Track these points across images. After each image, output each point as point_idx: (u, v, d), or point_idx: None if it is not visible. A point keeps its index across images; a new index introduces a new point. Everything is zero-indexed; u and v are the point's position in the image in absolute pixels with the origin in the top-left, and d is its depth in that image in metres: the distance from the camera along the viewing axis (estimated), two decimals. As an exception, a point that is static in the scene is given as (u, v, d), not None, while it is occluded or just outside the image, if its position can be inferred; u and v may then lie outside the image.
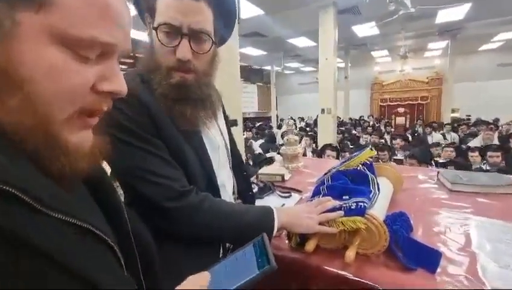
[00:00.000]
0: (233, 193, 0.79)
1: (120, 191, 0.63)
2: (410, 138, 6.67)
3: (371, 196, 0.74)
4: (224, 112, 0.82)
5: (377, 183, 0.82)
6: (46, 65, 0.25)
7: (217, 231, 0.61)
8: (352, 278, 0.62)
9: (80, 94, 0.28)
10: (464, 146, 4.39)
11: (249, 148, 4.83)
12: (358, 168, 0.88)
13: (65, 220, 0.26)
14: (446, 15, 5.79)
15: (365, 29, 6.66)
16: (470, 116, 9.64)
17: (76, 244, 0.26)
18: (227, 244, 0.71)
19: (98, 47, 0.28)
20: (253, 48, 8.28)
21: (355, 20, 6.01)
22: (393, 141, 4.65)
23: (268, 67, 11.94)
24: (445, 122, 7.21)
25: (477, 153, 3.25)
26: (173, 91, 0.59)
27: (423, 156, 3.04)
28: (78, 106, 0.29)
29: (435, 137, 5.53)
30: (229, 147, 0.77)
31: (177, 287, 0.31)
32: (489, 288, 0.54)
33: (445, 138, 5.62)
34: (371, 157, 0.91)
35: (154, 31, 0.57)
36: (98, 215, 0.35)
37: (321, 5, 4.94)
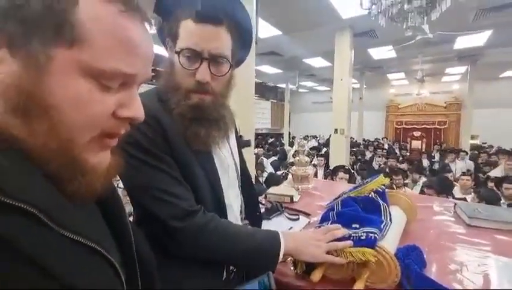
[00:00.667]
0: (241, 212, 0.78)
1: (129, 209, 0.65)
2: (426, 164, 6.43)
3: (382, 226, 0.71)
4: (236, 133, 0.83)
5: (389, 213, 0.80)
6: (73, 95, 0.28)
7: (222, 254, 0.60)
8: (360, 314, 0.59)
9: (101, 120, 0.30)
10: (481, 175, 4.20)
11: (259, 165, 4.82)
12: (370, 195, 0.86)
13: (75, 240, 0.27)
14: (466, 41, 5.74)
15: (381, 52, 6.68)
16: (485, 143, 9.26)
17: (83, 264, 0.27)
18: (231, 267, 0.70)
19: (120, 77, 0.30)
20: (269, 66, 8.46)
21: (371, 43, 6.06)
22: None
23: (283, 85, 12.10)
24: (463, 149, 6.94)
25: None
26: (191, 112, 0.61)
27: (442, 185, 2.90)
28: (99, 130, 0.31)
29: (457, 165, 5.30)
30: (238, 168, 0.77)
31: None
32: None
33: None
34: (384, 185, 0.89)
35: (175, 55, 0.60)
36: (106, 234, 0.36)
37: (338, 27, 5.03)
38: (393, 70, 9.32)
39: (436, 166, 6.48)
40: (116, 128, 0.33)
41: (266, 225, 0.99)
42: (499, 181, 3.04)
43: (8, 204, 0.22)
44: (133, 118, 0.33)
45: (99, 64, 0.28)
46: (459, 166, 5.28)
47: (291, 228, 0.97)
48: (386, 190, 0.91)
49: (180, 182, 0.60)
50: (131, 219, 0.69)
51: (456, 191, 3.22)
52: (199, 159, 0.64)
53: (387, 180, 0.90)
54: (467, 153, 6.19)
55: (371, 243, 0.63)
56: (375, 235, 0.65)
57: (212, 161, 0.67)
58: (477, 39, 5.64)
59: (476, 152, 7.15)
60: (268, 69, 8.86)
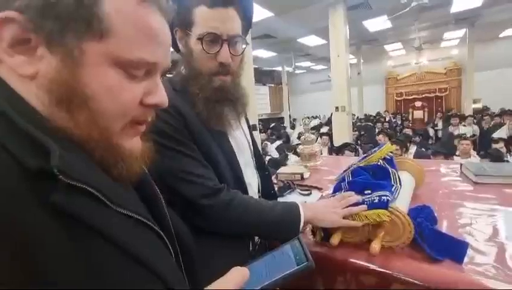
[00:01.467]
0: (258, 191, 0.82)
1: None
2: (431, 133, 6.43)
3: (393, 189, 0.75)
4: (245, 114, 0.86)
5: (399, 177, 0.83)
6: (106, 85, 0.30)
7: (247, 226, 0.65)
8: (379, 269, 0.63)
9: (131, 108, 0.33)
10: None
11: (263, 150, 4.86)
12: (379, 163, 0.89)
13: (126, 215, 0.30)
14: (462, 3, 5.58)
15: (377, 24, 6.54)
16: (486, 106, 9.16)
17: (136, 234, 0.31)
18: (256, 239, 0.74)
19: (145, 66, 0.33)
20: (264, 49, 8.33)
21: (366, 15, 5.92)
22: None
23: (279, 68, 11.94)
24: (466, 114, 6.90)
25: (502, 144, 3.12)
26: (215, 94, 0.66)
27: (448, 150, 2.94)
28: (130, 117, 0.33)
29: (462, 130, 5.29)
30: (252, 148, 0.81)
31: (220, 279, 0.35)
32: (519, 276, 0.54)
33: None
34: (391, 152, 0.92)
35: (193, 41, 0.63)
36: (146, 210, 0.39)
37: (330, 2, 4.91)
38: (389, 41, 9.14)
39: (439, 134, 6.49)
40: (144, 115, 0.35)
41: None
42: (508, 141, 3.06)
43: (73, 186, 0.25)
44: (158, 104, 0.36)
45: (126, 55, 0.30)
46: (465, 131, 5.27)
47: (305, 202, 1.01)
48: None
49: (204, 164, 0.64)
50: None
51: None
52: (217, 141, 0.68)
53: (394, 147, 0.93)
54: (474, 117, 6.14)
55: (384, 204, 0.67)
56: (388, 197, 0.68)
57: (229, 142, 0.71)
58: (474, 0, 5.48)
59: (480, 116, 7.11)
60: (263, 53, 8.74)
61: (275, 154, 5.35)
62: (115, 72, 0.30)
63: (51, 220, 0.24)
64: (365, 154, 1.00)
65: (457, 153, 3.16)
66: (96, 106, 0.30)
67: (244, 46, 0.68)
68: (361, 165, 0.94)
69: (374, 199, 0.70)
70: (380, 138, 4.25)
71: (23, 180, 0.24)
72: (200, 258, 0.50)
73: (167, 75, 0.70)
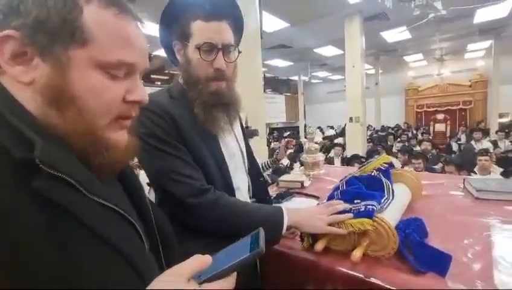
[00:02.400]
0: (250, 197, 0.85)
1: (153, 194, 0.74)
2: (455, 147, 6.15)
3: (382, 200, 0.75)
4: (241, 122, 0.90)
5: (392, 189, 0.83)
6: (90, 85, 0.35)
7: (231, 226, 0.68)
8: (363, 278, 0.64)
9: (114, 105, 0.38)
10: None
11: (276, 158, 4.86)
12: (373, 173, 0.90)
13: (100, 203, 0.34)
14: (486, 14, 5.41)
15: (395, 35, 6.46)
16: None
17: (108, 221, 0.35)
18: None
19: (124, 67, 0.37)
20: (280, 59, 8.44)
21: (383, 26, 5.87)
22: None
23: (295, 78, 11.99)
24: (492, 128, 6.56)
25: (527, 162, 2.94)
26: (211, 98, 0.72)
27: (464, 162, 2.80)
28: (115, 114, 0.38)
29: (485, 145, 5.04)
30: (244, 154, 0.84)
31: (179, 265, 0.38)
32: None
33: (497, 146, 5.08)
34: (386, 163, 0.92)
35: (191, 51, 0.71)
36: (125, 201, 0.44)
37: (346, 13, 4.93)
38: (409, 52, 8.96)
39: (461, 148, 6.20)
40: (128, 111, 0.40)
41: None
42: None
43: (53, 174, 0.30)
44: (139, 101, 0.40)
45: (106, 57, 0.35)
46: (486, 146, 5.01)
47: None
48: (394, 168, 0.94)
49: (192, 165, 0.69)
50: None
51: (476, 172, 3.09)
52: (207, 146, 0.73)
53: (389, 158, 0.94)
54: (497, 133, 5.82)
55: (369, 213, 0.68)
56: (373, 207, 0.69)
57: (219, 146, 0.75)
58: (499, 10, 5.29)
59: (506, 130, 6.74)
60: (279, 62, 8.84)
61: (287, 162, 5.34)
62: (97, 73, 0.35)
63: (31, 203, 0.28)
64: (361, 165, 1.01)
65: (475, 169, 3.02)
66: (83, 104, 0.35)
67: (236, 54, 0.75)
68: (356, 175, 0.94)
69: (361, 208, 0.71)
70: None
71: (11, 168, 0.28)
72: (181, 255, 0.54)
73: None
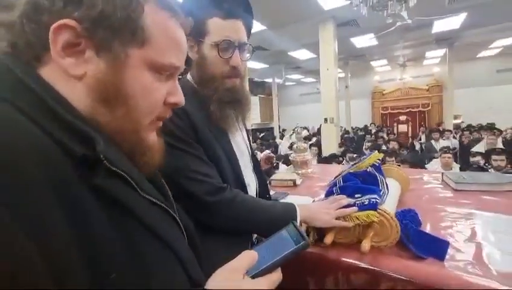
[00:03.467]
0: (256, 194, 0.86)
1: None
2: (417, 147, 6.69)
3: (381, 193, 0.80)
4: (244, 119, 0.90)
5: (386, 183, 0.89)
6: (142, 85, 0.35)
7: (248, 223, 0.69)
8: (369, 267, 0.68)
9: (158, 106, 0.38)
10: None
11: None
12: (368, 169, 0.95)
13: (151, 200, 0.34)
14: (442, 25, 5.96)
15: (364, 41, 6.85)
16: (463, 122, 9.66)
17: (159, 218, 0.35)
18: (255, 237, 0.78)
19: (171, 69, 0.37)
20: (256, 61, 8.51)
21: (353, 32, 6.20)
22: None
23: (270, 80, 12.17)
24: (447, 129, 7.23)
25: (479, 158, 3.29)
26: (227, 95, 0.72)
27: (416, 160, 3.12)
28: (156, 114, 0.38)
29: (442, 144, 5.53)
30: (250, 152, 0.85)
31: (233, 261, 0.38)
32: (494, 272, 0.60)
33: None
34: (379, 160, 0.99)
35: (208, 48, 0.70)
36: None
37: (321, 19, 5.13)
38: (376, 58, 9.55)
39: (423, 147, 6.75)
40: (165, 113, 0.40)
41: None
42: (487, 154, 3.24)
43: (113, 171, 0.29)
44: (177, 103, 0.40)
45: (161, 59, 0.35)
46: (444, 145, 5.51)
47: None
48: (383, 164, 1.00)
49: (208, 163, 0.69)
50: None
51: (439, 169, 3.41)
52: (220, 144, 0.73)
53: (381, 155, 1.00)
54: (451, 132, 6.45)
55: (373, 206, 0.72)
56: (377, 199, 0.73)
57: (230, 144, 0.75)
58: (453, 22, 5.87)
59: (460, 131, 7.47)
60: (254, 64, 8.91)
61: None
62: (149, 74, 0.35)
63: (93, 200, 0.27)
64: (355, 161, 1.06)
65: (436, 165, 3.33)
66: (133, 103, 0.34)
67: (249, 53, 0.76)
68: (351, 171, 0.99)
69: (364, 201, 0.75)
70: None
71: (68, 164, 0.27)
72: (204, 253, 0.53)
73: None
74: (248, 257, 0.37)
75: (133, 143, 0.35)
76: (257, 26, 5.21)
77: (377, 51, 8.41)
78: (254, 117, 12.85)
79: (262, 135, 10.87)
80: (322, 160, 4.10)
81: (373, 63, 10.48)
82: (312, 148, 5.24)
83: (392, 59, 9.39)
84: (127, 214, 0.29)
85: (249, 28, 0.78)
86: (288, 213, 0.70)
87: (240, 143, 0.79)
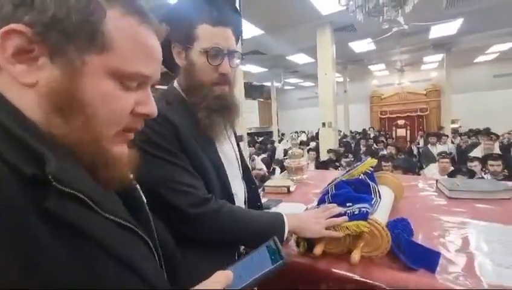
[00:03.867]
0: (245, 202, 0.84)
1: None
2: (415, 151, 6.70)
3: (372, 202, 0.79)
4: (234, 128, 0.89)
5: (378, 191, 0.88)
6: (102, 94, 0.32)
7: (234, 235, 0.67)
8: (359, 278, 0.66)
9: (124, 116, 0.35)
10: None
11: (252, 162, 4.89)
12: (360, 177, 0.94)
13: (114, 221, 0.32)
14: (439, 30, 6.01)
15: (362, 46, 6.89)
16: (461, 126, 9.70)
17: (124, 239, 0.32)
18: (242, 249, 0.76)
19: (139, 78, 0.36)
20: (254, 65, 8.53)
21: (351, 37, 6.23)
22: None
23: (268, 84, 12.20)
24: (444, 133, 7.25)
25: (476, 163, 3.29)
26: (215, 102, 0.71)
27: (409, 165, 3.13)
28: (122, 125, 0.36)
29: (439, 149, 5.53)
30: (239, 160, 0.84)
31: (206, 281, 0.37)
32: (485, 285, 0.58)
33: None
34: (372, 167, 0.98)
35: (196, 54, 0.69)
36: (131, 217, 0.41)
37: (318, 23, 5.16)
38: (374, 62, 9.60)
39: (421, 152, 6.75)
40: (134, 124, 0.38)
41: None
42: (483, 159, 3.24)
43: (66, 192, 0.27)
44: (148, 114, 0.38)
45: (125, 67, 0.33)
46: (441, 149, 5.52)
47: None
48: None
49: (193, 174, 0.66)
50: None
51: (436, 174, 3.40)
52: (206, 152, 0.71)
53: (375, 162, 0.99)
54: (447, 137, 6.46)
55: (363, 216, 0.71)
56: (367, 209, 0.72)
57: (217, 153, 0.74)
58: (450, 28, 5.92)
59: (458, 135, 7.48)
60: (253, 68, 8.94)
61: (263, 167, 5.40)
62: (111, 82, 0.33)
63: (43, 225, 0.25)
64: (348, 169, 1.05)
65: (434, 170, 3.32)
66: (92, 113, 0.32)
67: (238, 60, 0.76)
68: (344, 179, 0.98)
69: (355, 211, 0.74)
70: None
71: (17, 186, 0.25)
72: (183, 268, 0.51)
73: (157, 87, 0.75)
74: (222, 278, 0.35)
75: (94, 155, 0.33)
76: (255, 31, 5.23)
77: (375, 56, 8.46)
78: (253, 121, 12.87)
79: (261, 139, 10.87)
80: (320, 164, 4.09)
81: (371, 68, 10.54)
82: (310, 152, 5.24)
83: (390, 64, 9.44)
84: (82, 237, 0.27)
85: (237, 36, 0.77)
86: (276, 224, 0.69)
87: (228, 152, 0.78)
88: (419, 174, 3.16)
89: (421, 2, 2.72)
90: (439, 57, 8.82)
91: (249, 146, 7.63)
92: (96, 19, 0.31)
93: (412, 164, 3.40)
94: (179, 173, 0.64)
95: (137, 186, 0.47)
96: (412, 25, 4.25)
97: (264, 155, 6.66)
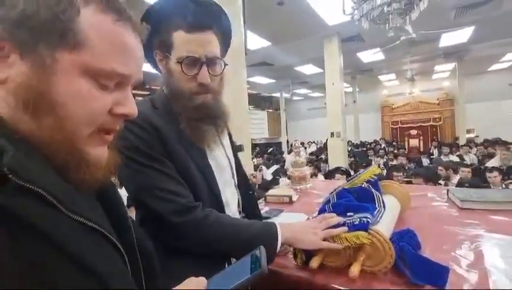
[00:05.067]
0: (239, 212, 0.81)
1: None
2: (425, 163, 6.49)
3: (375, 212, 0.74)
4: (229, 134, 0.87)
5: (382, 201, 0.83)
6: (74, 92, 0.31)
7: (221, 245, 0.63)
8: (360, 295, 0.61)
9: (99, 116, 0.34)
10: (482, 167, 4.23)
11: (259, 173, 4.84)
12: (363, 185, 0.89)
13: (79, 221, 0.30)
14: (449, 38, 5.92)
15: (370, 55, 6.86)
16: (477, 136, 9.36)
17: (88, 241, 0.30)
18: (234, 261, 0.72)
19: (116, 77, 0.34)
20: (262, 76, 8.62)
21: (359, 47, 6.23)
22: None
23: (277, 94, 12.27)
24: (461, 143, 7.01)
25: (496, 174, 3.13)
26: (197, 112, 0.68)
27: (429, 174, 2.98)
28: (97, 125, 0.34)
29: (453, 159, 5.33)
30: (233, 166, 0.81)
31: (178, 287, 0.34)
32: (501, 305, 0.52)
33: (462, 160, 5.42)
34: (376, 175, 0.93)
35: (173, 64, 0.66)
36: (106, 221, 0.38)
37: (325, 34, 5.19)
38: (383, 72, 9.53)
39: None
40: (112, 124, 0.36)
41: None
42: (504, 171, 3.08)
43: (24, 187, 0.25)
44: (127, 115, 0.37)
45: (98, 65, 0.32)
46: (454, 160, 5.30)
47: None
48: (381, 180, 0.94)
49: (178, 181, 0.64)
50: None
51: (455, 183, 3.25)
52: (194, 159, 0.68)
53: (379, 170, 0.94)
54: (465, 147, 6.23)
55: (364, 226, 0.66)
56: (368, 219, 0.67)
57: (207, 160, 0.70)
58: (461, 36, 5.82)
59: (474, 146, 7.21)
60: (261, 79, 9.03)
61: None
62: (85, 81, 0.32)
63: None
64: (351, 177, 1.00)
65: (455, 181, 3.18)
66: (64, 112, 0.31)
67: (221, 66, 0.70)
68: (346, 187, 0.94)
69: (355, 221, 0.69)
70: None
71: None
72: (167, 278, 0.48)
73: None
74: (193, 284, 0.32)
75: (65, 155, 0.32)
76: (262, 42, 5.31)
77: (384, 65, 8.40)
78: (262, 132, 12.89)
79: (270, 150, 10.83)
80: (326, 174, 4.00)
81: (381, 77, 10.45)
82: (322, 165, 5.12)
83: (400, 73, 9.34)
84: (40, 238, 0.25)
85: (224, 39, 0.73)
86: (266, 234, 0.65)
87: (220, 158, 0.75)
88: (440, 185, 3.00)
89: (429, 10, 2.69)
90: (450, 66, 8.66)
91: (257, 157, 7.61)
92: (68, 16, 0.30)
93: (433, 173, 3.20)
94: (163, 180, 0.61)
95: (117, 191, 0.45)
96: (421, 34, 4.20)
97: (276, 166, 6.58)
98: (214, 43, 0.67)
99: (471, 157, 5.60)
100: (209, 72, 0.67)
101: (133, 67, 0.36)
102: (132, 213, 0.72)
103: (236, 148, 0.90)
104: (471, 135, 9.45)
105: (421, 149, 10.81)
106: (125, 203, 0.53)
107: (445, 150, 5.69)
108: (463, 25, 5.08)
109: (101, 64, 0.32)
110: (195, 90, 0.67)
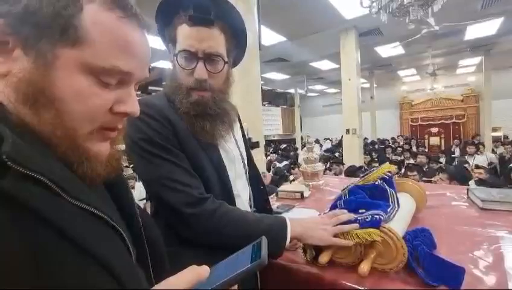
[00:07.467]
0: (250, 206, 0.82)
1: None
2: (444, 161, 6.21)
3: (388, 209, 0.72)
4: (242, 128, 0.87)
5: (397, 198, 0.81)
6: (75, 89, 0.32)
7: (231, 238, 0.64)
8: (369, 293, 0.60)
9: (99, 114, 0.34)
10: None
11: (272, 169, 4.83)
12: (377, 182, 0.87)
13: (82, 207, 0.30)
14: (476, 31, 5.59)
15: (389, 49, 6.61)
16: (507, 137, 8.82)
17: (90, 228, 0.30)
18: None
19: (118, 75, 0.34)
20: (277, 72, 8.55)
21: (377, 41, 6.02)
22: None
23: (292, 91, 12.14)
24: (486, 142, 6.63)
25: (522, 174, 2.95)
26: (193, 108, 0.67)
27: (459, 174, 2.81)
28: (98, 123, 0.35)
29: (477, 160, 5.03)
30: (245, 159, 0.81)
31: (174, 276, 0.35)
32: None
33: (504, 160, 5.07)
34: (389, 172, 0.90)
35: (175, 58, 0.67)
36: (113, 209, 0.39)
37: (342, 28, 5.05)
38: (403, 67, 9.16)
39: (456, 162, 6.23)
40: (114, 122, 0.36)
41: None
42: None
43: (25, 174, 0.25)
44: (128, 113, 0.37)
45: (99, 62, 0.32)
46: (480, 160, 5.03)
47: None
48: (395, 177, 0.92)
49: (191, 173, 0.65)
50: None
51: (472, 184, 3.10)
52: (206, 152, 0.69)
53: (393, 167, 0.91)
54: (484, 146, 5.88)
55: (376, 223, 0.65)
56: (380, 216, 0.66)
57: (218, 153, 0.71)
58: (488, 28, 5.48)
59: (500, 144, 6.82)
60: (276, 75, 8.96)
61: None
62: (86, 78, 0.32)
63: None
64: (363, 174, 0.98)
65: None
66: (63, 107, 0.31)
67: (221, 65, 0.68)
68: (358, 184, 0.92)
69: (367, 218, 0.68)
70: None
71: None
72: (180, 268, 0.50)
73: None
74: (194, 272, 0.33)
75: (67, 150, 0.32)
76: (277, 38, 5.25)
77: (404, 60, 8.07)
78: (276, 128, 12.82)
79: (284, 146, 10.77)
80: (346, 173, 3.92)
81: (400, 73, 10.06)
82: (334, 166, 4.98)
83: (421, 68, 8.94)
84: (42, 224, 0.26)
85: (234, 33, 0.70)
86: (277, 227, 0.65)
87: (231, 151, 0.75)
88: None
89: (453, 1, 2.56)
90: (476, 60, 8.20)
91: (271, 153, 7.59)
92: (70, 12, 0.31)
93: (463, 173, 2.99)
94: (176, 172, 0.63)
95: (126, 182, 0.46)
96: (444, 26, 4.00)
97: (286, 162, 6.56)
98: (216, 39, 0.65)
99: (489, 157, 5.27)
100: (207, 69, 0.66)
101: (136, 64, 0.35)
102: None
103: (249, 143, 0.91)
104: (498, 134, 8.94)
105: (442, 148, 10.36)
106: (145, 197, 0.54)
107: (471, 149, 5.36)
108: (491, 16, 4.78)
109: (101, 61, 0.32)
110: (192, 85, 0.67)
